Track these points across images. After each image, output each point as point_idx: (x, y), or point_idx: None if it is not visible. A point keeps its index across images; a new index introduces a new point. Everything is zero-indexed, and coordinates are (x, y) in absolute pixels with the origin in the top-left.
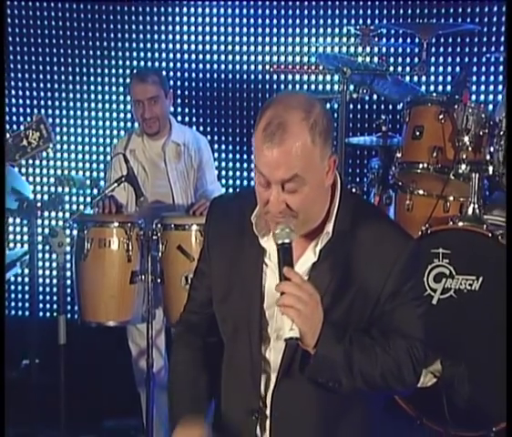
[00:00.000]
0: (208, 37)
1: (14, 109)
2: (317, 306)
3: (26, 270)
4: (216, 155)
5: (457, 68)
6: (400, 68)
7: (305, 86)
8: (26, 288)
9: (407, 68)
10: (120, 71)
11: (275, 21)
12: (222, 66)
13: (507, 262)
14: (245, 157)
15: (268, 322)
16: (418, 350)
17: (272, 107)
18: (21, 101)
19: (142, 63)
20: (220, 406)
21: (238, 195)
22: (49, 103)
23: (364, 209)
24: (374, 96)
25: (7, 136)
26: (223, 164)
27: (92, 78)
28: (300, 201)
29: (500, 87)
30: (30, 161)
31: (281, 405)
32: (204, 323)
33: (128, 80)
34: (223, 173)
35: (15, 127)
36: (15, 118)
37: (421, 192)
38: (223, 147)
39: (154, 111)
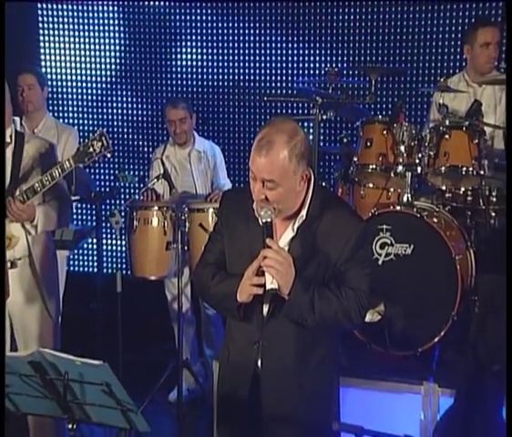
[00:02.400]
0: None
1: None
2: (290, 266)
3: (94, 240)
4: (226, 159)
5: (395, 98)
6: (356, 98)
7: (289, 110)
8: (94, 252)
9: (361, 98)
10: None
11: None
12: (231, 96)
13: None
14: (246, 161)
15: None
16: (363, 298)
17: (268, 127)
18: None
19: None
20: (228, 341)
21: (243, 189)
22: (110, 118)
23: (330, 199)
24: (338, 118)
25: (79, 145)
26: (231, 166)
27: (139, 104)
28: (274, 196)
29: (425, 112)
30: (96, 164)
31: (269, 336)
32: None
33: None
34: (231, 172)
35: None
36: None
37: (371, 185)
38: (232, 154)
39: (183, 128)
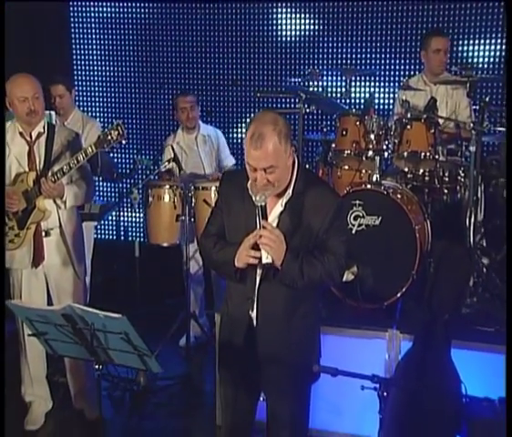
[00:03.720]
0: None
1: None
2: (282, 243)
3: (117, 213)
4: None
5: (366, 95)
6: (333, 94)
7: (279, 104)
8: (115, 223)
9: (338, 94)
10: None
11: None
12: (229, 91)
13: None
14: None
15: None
16: (341, 261)
17: (254, 123)
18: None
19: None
20: (227, 298)
21: (241, 170)
22: (129, 111)
23: (312, 178)
24: (319, 111)
25: (100, 134)
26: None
27: (153, 100)
28: (275, 177)
29: (391, 107)
30: (117, 149)
31: (262, 294)
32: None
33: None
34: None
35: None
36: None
37: (346, 167)
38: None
39: (193, 114)
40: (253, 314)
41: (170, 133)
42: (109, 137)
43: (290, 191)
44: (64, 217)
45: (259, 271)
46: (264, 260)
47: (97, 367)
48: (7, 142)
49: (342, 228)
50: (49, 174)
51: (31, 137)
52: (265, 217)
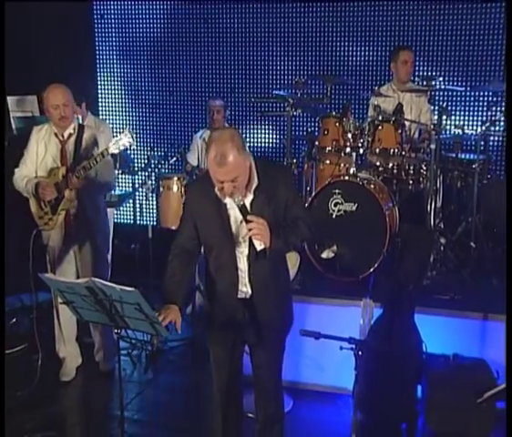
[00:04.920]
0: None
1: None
2: (267, 228)
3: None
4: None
5: (344, 100)
6: (316, 100)
7: (270, 108)
8: (131, 209)
9: (320, 100)
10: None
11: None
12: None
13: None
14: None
15: (237, 234)
16: (308, 220)
17: (214, 144)
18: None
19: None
20: (210, 287)
21: (203, 178)
22: (141, 114)
23: (266, 164)
24: (304, 114)
25: (113, 138)
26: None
27: (164, 103)
28: (239, 183)
29: (365, 111)
30: (134, 148)
31: (253, 267)
32: (189, 246)
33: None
34: None
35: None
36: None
37: (327, 162)
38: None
39: (218, 117)
40: (245, 288)
41: (199, 130)
42: (121, 142)
43: (255, 179)
44: (90, 204)
45: (243, 255)
46: (258, 248)
47: (116, 331)
48: (45, 142)
49: (298, 194)
50: (76, 170)
51: (63, 137)
52: (248, 212)
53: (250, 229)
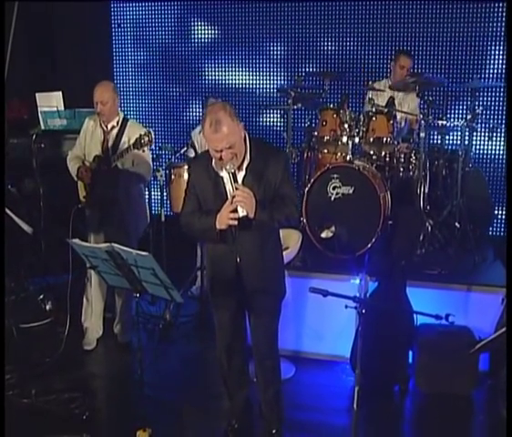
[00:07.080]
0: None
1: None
2: (252, 198)
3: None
4: None
5: (341, 94)
6: (315, 93)
7: (274, 101)
8: (147, 196)
9: (319, 93)
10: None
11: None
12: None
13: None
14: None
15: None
16: (295, 200)
17: (208, 114)
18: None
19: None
20: (212, 253)
21: (202, 155)
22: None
23: (261, 144)
24: (304, 106)
25: (138, 137)
26: None
27: (176, 100)
28: (236, 150)
29: (361, 103)
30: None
31: (241, 241)
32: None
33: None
34: None
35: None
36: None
37: (326, 151)
38: None
39: None
40: (237, 257)
41: (195, 126)
42: (143, 140)
43: (248, 157)
44: (123, 193)
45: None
46: (240, 214)
47: (135, 295)
48: (92, 131)
49: (290, 177)
50: (108, 159)
51: (107, 128)
52: (236, 180)
53: (233, 197)
